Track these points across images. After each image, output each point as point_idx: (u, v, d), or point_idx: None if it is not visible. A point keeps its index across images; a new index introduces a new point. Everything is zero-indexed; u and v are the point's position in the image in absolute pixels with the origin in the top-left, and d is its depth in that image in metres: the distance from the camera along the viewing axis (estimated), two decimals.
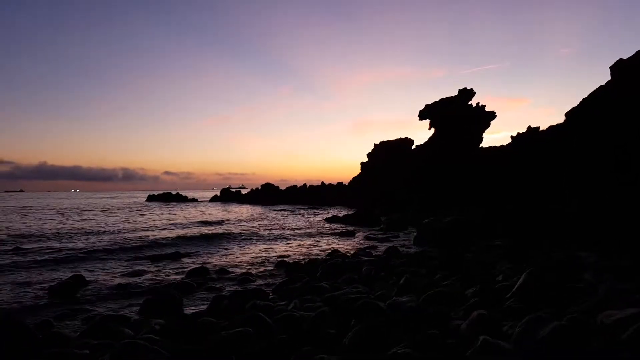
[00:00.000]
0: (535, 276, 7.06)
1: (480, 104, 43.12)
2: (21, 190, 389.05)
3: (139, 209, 61.45)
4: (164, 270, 14.87)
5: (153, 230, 29.13)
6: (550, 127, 28.53)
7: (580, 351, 4.23)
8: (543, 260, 10.71)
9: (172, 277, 13.73)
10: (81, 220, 39.44)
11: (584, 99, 16.02)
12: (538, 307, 6.05)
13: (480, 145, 41.31)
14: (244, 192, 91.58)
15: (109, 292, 11.73)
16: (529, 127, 31.56)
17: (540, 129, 30.56)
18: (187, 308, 9.92)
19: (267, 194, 76.75)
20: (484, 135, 42.56)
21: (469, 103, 43.56)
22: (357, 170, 63.51)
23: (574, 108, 16.44)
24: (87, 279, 12.83)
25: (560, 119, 26.65)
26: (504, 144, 34.89)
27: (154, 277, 13.71)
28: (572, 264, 9.19)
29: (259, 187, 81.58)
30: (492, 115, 42.89)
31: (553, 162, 23.66)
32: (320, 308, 7.46)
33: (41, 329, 8.01)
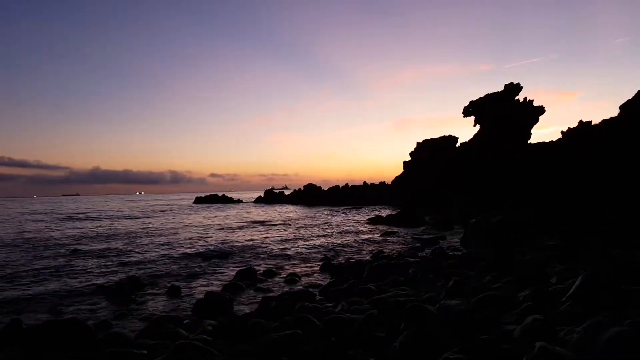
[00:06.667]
0: (593, 278, 6.77)
1: (527, 99, 41.84)
2: (77, 194, 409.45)
3: (188, 210, 63.27)
4: (215, 271, 15.25)
5: (204, 232, 29.93)
6: (604, 121, 27.28)
7: None
8: (599, 260, 10.26)
9: (223, 277, 14.09)
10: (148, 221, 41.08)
11: (639, 91, 15.24)
12: (596, 311, 5.81)
13: (529, 141, 40.09)
14: (287, 192, 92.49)
15: (162, 292, 12.18)
16: (580, 122, 30.35)
17: (593, 123, 29.32)
18: (237, 308, 10.17)
19: (310, 195, 77.22)
20: (533, 130, 41.32)
21: (516, 98, 42.36)
22: (399, 169, 62.97)
23: (629, 100, 15.64)
24: (142, 280, 13.36)
25: (614, 112, 25.47)
26: (554, 140, 33.69)
27: (205, 278, 14.11)
28: (631, 265, 8.77)
29: (302, 188, 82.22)
30: (540, 110, 41.53)
31: (606, 158, 22.58)
32: (369, 310, 7.45)
33: (100, 329, 8.43)
